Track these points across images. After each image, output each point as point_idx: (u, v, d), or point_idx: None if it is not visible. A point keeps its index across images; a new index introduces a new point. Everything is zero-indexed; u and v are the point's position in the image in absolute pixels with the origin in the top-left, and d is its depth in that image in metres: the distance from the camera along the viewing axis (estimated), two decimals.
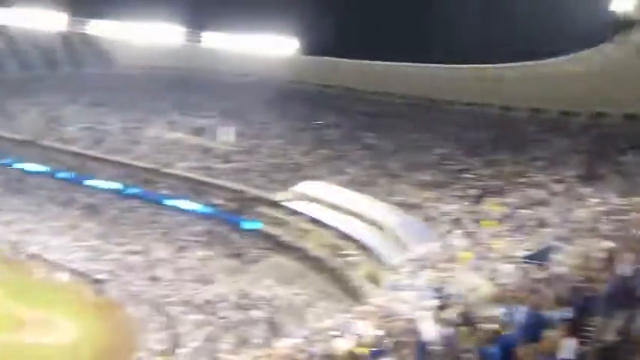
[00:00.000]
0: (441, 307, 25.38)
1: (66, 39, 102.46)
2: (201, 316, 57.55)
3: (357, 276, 57.95)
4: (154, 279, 66.88)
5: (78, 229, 78.73)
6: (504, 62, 66.56)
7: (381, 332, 28.41)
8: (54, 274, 69.87)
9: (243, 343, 51.17)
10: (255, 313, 56.75)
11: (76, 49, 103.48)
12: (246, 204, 74.66)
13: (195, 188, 79.01)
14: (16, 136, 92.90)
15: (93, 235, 77.04)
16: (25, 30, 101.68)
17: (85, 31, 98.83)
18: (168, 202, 79.68)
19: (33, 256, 73.51)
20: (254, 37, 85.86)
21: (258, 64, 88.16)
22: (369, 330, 30.48)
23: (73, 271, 70.04)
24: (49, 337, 54.65)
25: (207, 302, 60.06)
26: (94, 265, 70.49)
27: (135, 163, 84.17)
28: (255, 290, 61.46)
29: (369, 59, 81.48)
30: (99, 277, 68.00)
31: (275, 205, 71.21)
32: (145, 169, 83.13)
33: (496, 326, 17.46)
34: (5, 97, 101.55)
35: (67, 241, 75.92)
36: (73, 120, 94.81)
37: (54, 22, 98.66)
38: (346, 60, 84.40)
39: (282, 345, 40.99)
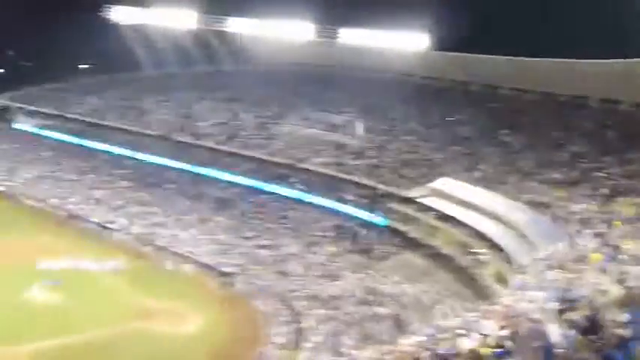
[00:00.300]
0: (567, 309, 24.40)
1: (201, 37, 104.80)
2: (326, 311, 57.64)
3: (486, 275, 56.84)
4: (282, 273, 67.42)
5: (208, 222, 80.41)
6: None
7: (506, 333, 27.59)
8: (182, 267, 71.70)
9: (366, 338, 50.60)
10: (380, 310, 56.40)
11: (212, 47, 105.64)
12: (376, 200, 74.16)
13: (328, 184, 79.11)
14: (151, 132, 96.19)
15: (223, 229, 78.54)
16: (161, 28, 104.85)
17: (221, 29, 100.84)
18: (300, 197, 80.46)
19: (161, 249, 75.79)
20: (388, 33, 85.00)
21: (392, 60, 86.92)
22: (494, 330, 29.66)
23: (201, 264, 71.67)
24: (175, 328, 56.23)
25: (333, 297, 60.03)
26: (222, 258, 71.83)
27: (269, 158, 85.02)
28: (382, 287, 61.09)
29: (504, 55, 79.93)
30: (227, 270, 69.35)
31: (405, 201, 70.37)
32: (279, 165, 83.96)
33: (622, 331, 16.53)
34: (141, 94, 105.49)
35: (196, 234, 77.70)
36: (207, 116, 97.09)
37: (189, 20, 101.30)
38: (481, 56, 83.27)
39: (407, 342, 40.43)
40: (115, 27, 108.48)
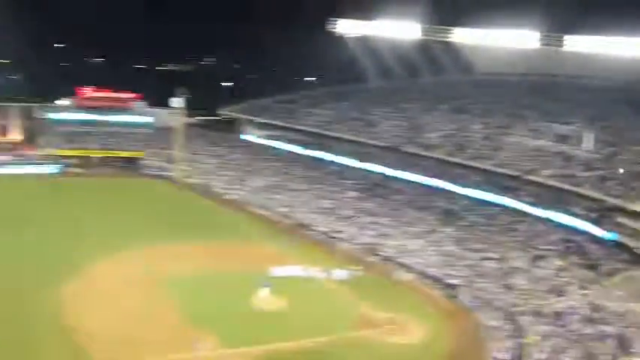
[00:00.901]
0: None
1: (425, 48, 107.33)
2: (550, 327, 57.76)
3: None
4: (507, 287, 68.26)
5: (435, 234, 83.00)
6: None
7: None
8: (407, 277, 74.87)
9: (589, 357, 50.86)
10: (605, 328, 55.46)
11: (436, 58, 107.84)
12: (605, 214, 72.92)
13: (556, 196, 78.24)
14: (379, 143, 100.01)
15: (450, 241, 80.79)
16: (386, 40, 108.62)
17: (444, 39, 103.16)
18: (528, 210, 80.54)
19: (388, 259, 79.43)
20: (614, 40, 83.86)
21: (618, 67, 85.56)
22: None
23: (426, 275, 74.45)
24: (397, 338, 58.62)
25: (558, 313, 60.04)
26: (448, 270, 74.12)
27: (496, 169, 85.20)
28: (608, 304, 59.97)
29: None
30: (452, 282, 71.59)
31: (635, 215, 68.39)
32: (507, 176, 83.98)
33: None
34: (368, 106, 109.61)
35: (423, 245, 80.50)
36: (434, 127, 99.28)
37: (413, 31, 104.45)
38: None
39: None
40: (340, 39, 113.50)
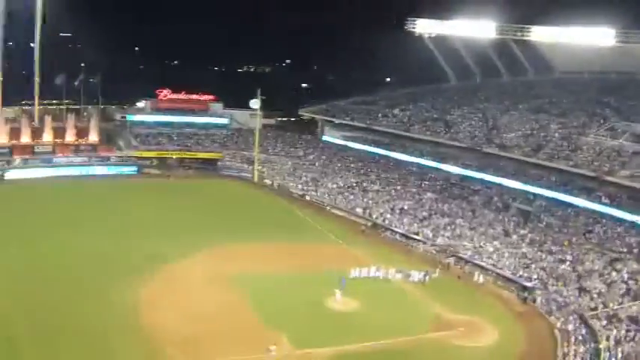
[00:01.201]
0: None
1: (502, 47, 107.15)
2: (625, 332, 57.51)
3: None
4: (583, 290, 68.06)
5: (512, 235, 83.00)
6: None
7: None
8: (483, 279, 75.65)
9: None
10: None
11: (514, 57, 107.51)
12: None
13: (635, 197, 77.53)
14: (457, 143, 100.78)
15: (526, 243, 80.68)
16: (463, 39, 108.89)
17: (522, 38, 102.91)
18: (606, 211, 79.93)
19: (463, 260, 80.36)
20: None
21: None
22: None
23: (502, 277, 75.08)
24: (471, 340, 59.51)
25: (632, 318, 59.77)
26: (524, 272, 74.41)
27: (574, 170, 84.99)
28: None
29: None
30: (527, 284, 71.88)
31: None
32: (584, 177, 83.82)
33: None
34: (446, 106, 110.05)
35: (499, 247, 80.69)
36: (512, 127, 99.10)
37: (490, 30, 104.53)
38: None
39: None
40: (418, 39, 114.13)
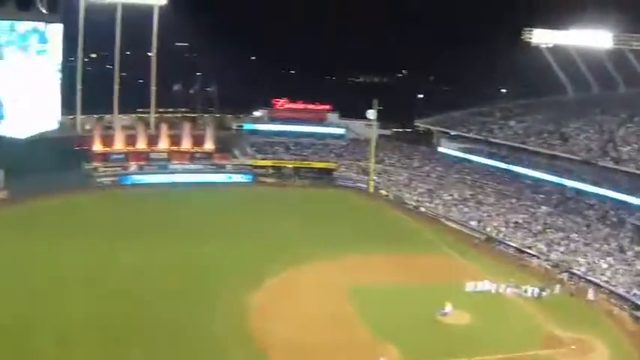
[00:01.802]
0: None
1: (620, 56, 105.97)
2: None
3: None
4: None
5: (627, 252, 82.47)
6: None
7: None
8: (596, 296, 75.51)
9: None
10: None
11: (632, 67, 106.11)
12: None
13: None
14: (573, 156, 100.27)
15: None
16: (580, 49, 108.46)
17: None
18: None
19: (576, 277, 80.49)
20: None
21: None
22: None
23: (615, 295, 74.95)
24: (583, 358, 60.14)
25: None
26: (637, 289, 74.02)
27: None
28: None
29: None
30: None
31: None
32: None
33: None
34: (562, 118, 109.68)
35: (613, 263, 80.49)
36: (629, 140, 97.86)
37: (606, 40, 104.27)
38: None
39: None
40: (534, 49, 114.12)
